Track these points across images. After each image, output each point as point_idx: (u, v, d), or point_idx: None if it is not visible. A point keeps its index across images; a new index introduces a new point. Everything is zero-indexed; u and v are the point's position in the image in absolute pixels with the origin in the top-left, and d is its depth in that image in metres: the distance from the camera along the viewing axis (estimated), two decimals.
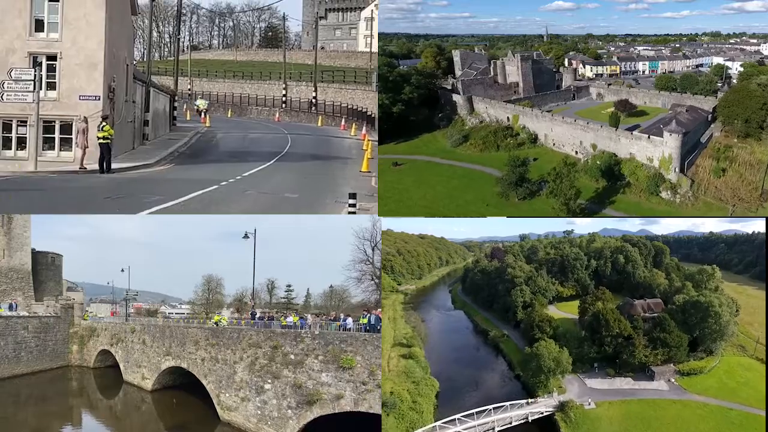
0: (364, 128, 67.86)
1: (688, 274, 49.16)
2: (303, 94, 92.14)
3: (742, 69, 65.34)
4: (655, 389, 32.86)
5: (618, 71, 75.68)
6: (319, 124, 79.05)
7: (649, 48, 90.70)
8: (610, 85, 61.39)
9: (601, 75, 73.33)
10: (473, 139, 46.74)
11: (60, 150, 38.07)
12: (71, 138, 37.58)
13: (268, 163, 41.83)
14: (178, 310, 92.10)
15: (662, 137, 37.30)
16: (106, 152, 35.62)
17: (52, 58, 37.62)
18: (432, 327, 48.17)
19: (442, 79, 57.64)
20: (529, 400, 30.93)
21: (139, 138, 49.58)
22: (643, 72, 77.47)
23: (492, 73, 56.65)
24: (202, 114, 76.38)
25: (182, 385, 37.31)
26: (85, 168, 35.81)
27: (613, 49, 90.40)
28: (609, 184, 38.34)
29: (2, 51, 37.23)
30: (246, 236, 39.29)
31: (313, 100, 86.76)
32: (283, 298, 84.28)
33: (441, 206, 36.86)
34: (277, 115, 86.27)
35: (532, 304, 45.61)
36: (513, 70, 55.89)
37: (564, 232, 75.62)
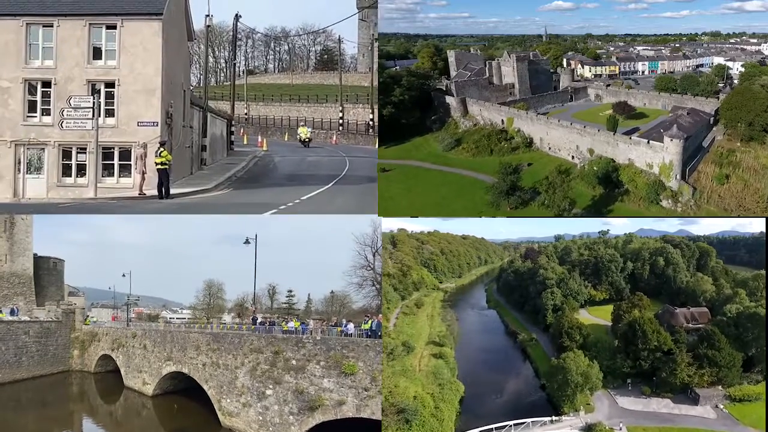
0: None
1: (740, 281, 44.36)
2: (360, 117, 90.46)
3: (743, 69, 63.11)
4: (699, 416, 28.57)
5: (617, 71, 72.90)
6: (377, 146, 76.28)
7: (649, 48, 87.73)
8: (608, 86, 58.47)
9: (600, 75, 70.55)
10: (466, 143, 43.77)
11: (119, 176, 37.66)
12: (130, 164, 37.26)
13: (327, 186, 40.67)
14: (179, 315, 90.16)
15: (662, 142, 34.38)
16: (164, 178, 34.95)
17: (110, 85, 37.37)
18: (465, 326, 46.84)
19: (437, 80, 54.71)
20: (553, 418, 28.12)
21: (197, 163, 49.01)
22: (643, 72, 74.65)
23: (487, 74, 53.73)
24: (307, 144, 73.89)
25: (183, 391, 36.73)
26: (144, 194, 35.53)
27: (612, 49, 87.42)
28: (606, 191, 35.41)
29: (61, 79, 37.13)
30: (247, 242, 38.51)
31: (371, 122, 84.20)
32: (285, 303, 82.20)
33: (428, 216, 34.16)
34: (334, 138, 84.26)
35: (562, 307, 42.61)
36: (509, 71, 52.97)
37: (599, 232, 71.54)
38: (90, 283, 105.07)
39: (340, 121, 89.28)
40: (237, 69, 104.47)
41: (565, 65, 68.01)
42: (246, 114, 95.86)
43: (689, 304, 40.67)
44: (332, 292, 77.10)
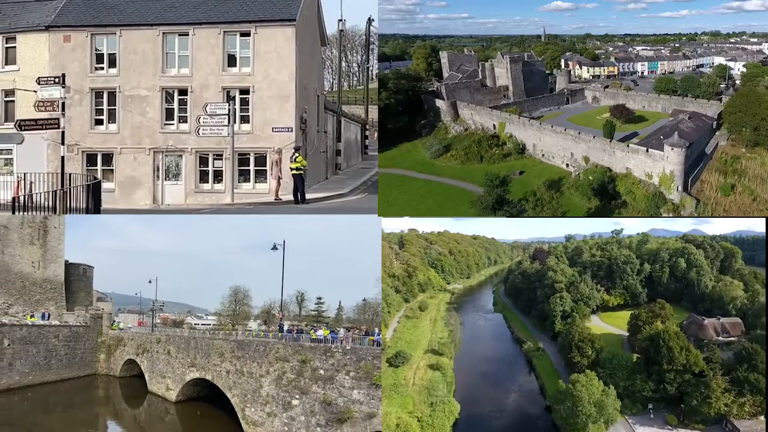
0: None
1: None
2: None
3: (745, 69, 59.43)
4: None
5: (616, 72, 69.01)
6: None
7: (648, 48, 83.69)
8: (606, 87, 54.48)
9: (599, 76, 66.74)
10: (455, 150, 39.78)
11: (255, 182, 37.44)
12: (266, 170, 37.08)
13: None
14: (204, 322, 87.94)
15: (662, 151, 30.57)
16: (299, 183, 34.36)
17: (244, 91, 37.21)
18: (468, 331, 42.45)
19: (429, 83, 50.86)
20: None
21: (332, 168, 48.49)
22: (642, 73, 70.75)
23: (480, 76, 49.88)
24: None
25: (206, 398, 35.14)
26: (280, 199, 35.19)
27: (611, 49, 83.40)
28: (602, 203, 31.60)
29: (197, 87, 37.24)
30: (275, 248, 36.74)
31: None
32: (313, 310, 77.85)
33: None
34: None
35: (572, 314, 37.48)
36: (502, 73, 49.13)
37: (612, 232, 64.21)
38: (118, 289, 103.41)
39: None
40: (370, 73, 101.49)
41: (563, 66, 64.18)
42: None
43: (715, 312, 35.34)
44: (364, 299, 72.39)
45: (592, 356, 29.85)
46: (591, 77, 65.98)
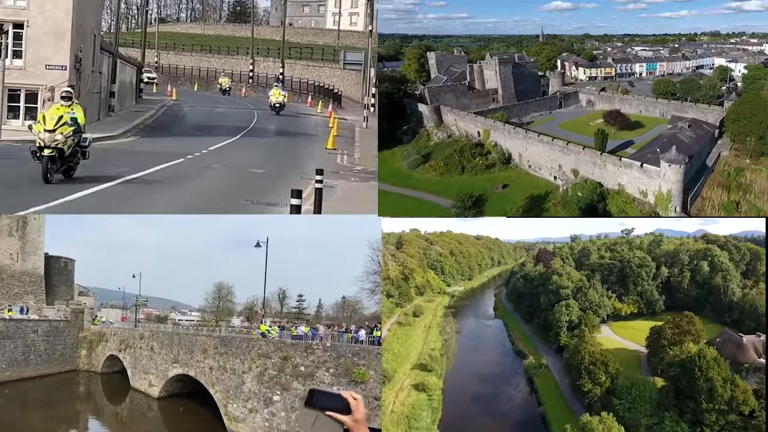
0: (330, 106, 62.53)
1: None
2: (270, 70, 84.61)
3: (746, 71, 54.44)
4: None
5: (613, 73, 64.04)
6: (286, 100, 66.65)
7: (647, 48, 78.56)
8: (602, 90, 49.60)
9: (595, 78, 61.84)
10: (434, 160, 35.22)
11: (25, 119, 34.09)
12: (37, 107, 34.39)
13: (234, 138, 38.40)
14: (188, 317, 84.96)
15: (659, 167, 25.93)
16: None
17: (18, 26, 34.57)
18: (464, 341, 37.62)
19: (414, 85, 46.19)
20: None
21: (105, 109, 45.90)
22: (641, 74, 65.73)
23: (469, 78, 45.20)
24: (278, 110, 63.11)
25: (189, 394, 33.70)
26: None
27: (610, 49, 78.31)
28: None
29: None
30: (258, 245, 36.15)
31: (280, 77, 77.68)
32: (294, 307, 75.06)
33: None
34: (243, 91, 79.02)
35: (579, 326, 31.25)
36: (491, 75, 44.38)
37: (622, 231, 55.47)
38: (100, 284, 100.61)
39: (251, 74, 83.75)
40: (149, 16, 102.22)
41: (559, 67, 59.35)
42: (156, 62, 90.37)
43: (747, 324, 29.46)
44: (344, 297, 69.60)
45: (606, 383, 23.82)
46: (587, 79, 61.22)
